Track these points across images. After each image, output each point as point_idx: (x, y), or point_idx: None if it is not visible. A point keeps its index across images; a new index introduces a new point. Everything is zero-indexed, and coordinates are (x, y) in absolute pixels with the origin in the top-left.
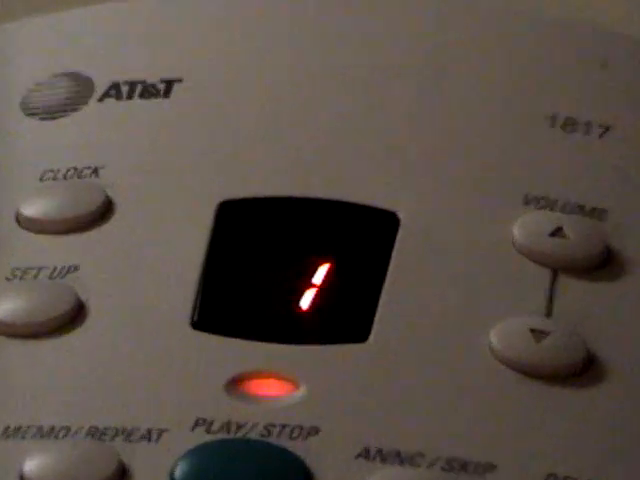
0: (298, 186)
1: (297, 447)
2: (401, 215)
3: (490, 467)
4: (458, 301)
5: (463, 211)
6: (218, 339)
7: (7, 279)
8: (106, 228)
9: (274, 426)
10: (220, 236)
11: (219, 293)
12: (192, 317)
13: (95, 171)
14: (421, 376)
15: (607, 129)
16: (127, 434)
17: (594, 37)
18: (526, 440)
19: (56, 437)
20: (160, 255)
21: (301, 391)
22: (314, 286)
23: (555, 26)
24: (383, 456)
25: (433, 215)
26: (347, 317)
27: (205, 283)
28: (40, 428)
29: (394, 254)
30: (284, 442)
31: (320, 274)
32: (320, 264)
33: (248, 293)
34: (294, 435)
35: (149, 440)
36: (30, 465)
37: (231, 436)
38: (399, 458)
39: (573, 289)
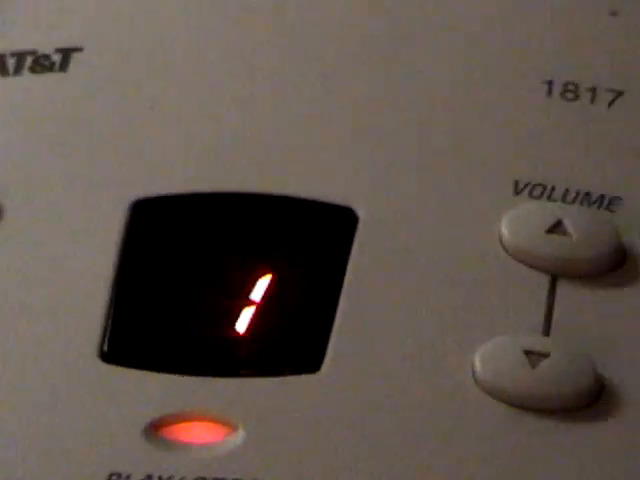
0: (228, 180)
1: None
2: (359, 211)
3: None
4: (433, 318)
5: (439, 204)
6: (134, 373)
7: None
8: None
9: (200, 474)
10: (134, 244)
11: (134, 316)
12: (101, 347)
13: None
14: (387, 415)
15: (618, 95)
16: None
17: None
18: None
19: None
20: (60, 271)
21: (238, 436)
22: (252, 303)
23: None
24: None
25: (400, 210)
26: (294, 342)
27: (116, 304)
28: None
29: (351, 261)
30: None
31: (260, 288)
32: (259, 276)
33: (170, 315)
34: None
35: None
36: None
37: None
38: None
39: (577, 299)
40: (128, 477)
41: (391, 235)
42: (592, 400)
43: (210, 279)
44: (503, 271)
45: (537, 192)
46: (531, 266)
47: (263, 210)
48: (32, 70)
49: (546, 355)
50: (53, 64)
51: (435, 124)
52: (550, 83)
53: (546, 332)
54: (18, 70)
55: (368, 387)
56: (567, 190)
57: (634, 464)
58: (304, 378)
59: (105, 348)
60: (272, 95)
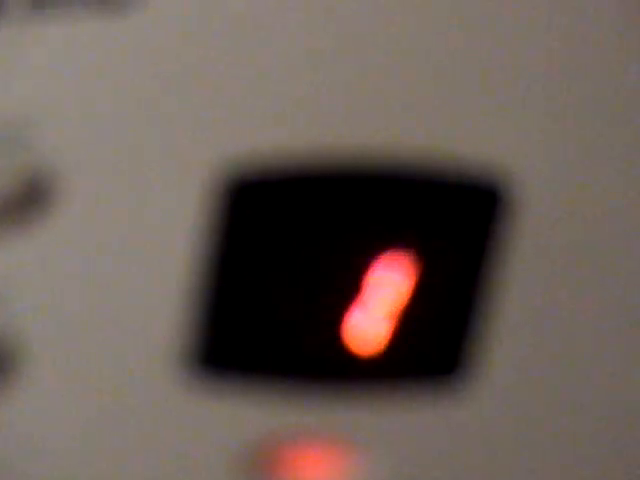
0: (341, 151)
1: None
2: (512, 188)
3: None
4: (611, 315)
5: (597, 170)
6: (227, 388)
7: None
8: (46, 224)
9: None
10: (230, 229)
11: (231, 319)
12: (187, 352)
13: (25, 129)
14: (561, 441)
15: None
16: None
17: None
18: None
19: None
20: (133, 261)
21: (366, 471)
22: (378, 304)
23: None
24: None
25: (558, 182)
26: (432, 349)
27: (207, 304)
28: None
29: (503, 248)
30: None
31: (388, 288)
32: (384, 267)
33: (274, 317)
34: None
35: None
36: None
37: None
38: None
39: None
40: None
41: (550, 221)
42: None
43: (324, 274)
44: None
45: None
46: None
47: (385, 188)
48: (81, 7)
49: None
50: (109, 4)
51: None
52: None
53: None
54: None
55: (528, 409)
56: None
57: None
58: (448, 396)
59: (192, 355)
60: (375, 38)
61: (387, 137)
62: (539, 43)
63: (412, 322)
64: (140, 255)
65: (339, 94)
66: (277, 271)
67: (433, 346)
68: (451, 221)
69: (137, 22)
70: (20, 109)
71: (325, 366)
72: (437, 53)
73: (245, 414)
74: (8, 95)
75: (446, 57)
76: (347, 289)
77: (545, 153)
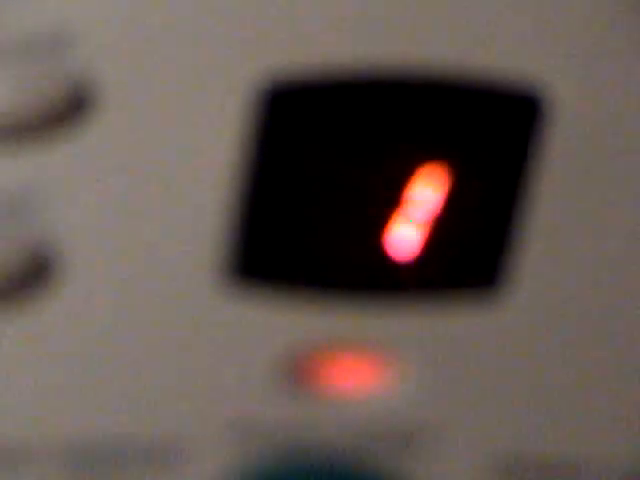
0: (382, 57)
1: (400, 469)
2: (549, 98)
3: None
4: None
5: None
6: (266, 296)
7: None
8: (85, 133)
9: (362, 436)
10: (268, 139)
11: (267, 226)
12: (226, 263)
13: (66, 40)
14: (585, 347)
15: None
16: (130, 456)
17: None
18: None
19: (15, 467)
20: (174, 171)
21: (403, 377)
22: (414, 215)
23: None
24: (525, 470)
25: (598, 96)
26: (469, 259)
27: (247, 214)
28: (9, 455)
29: (540, 159)
30: (379, 461)
31: (424, 198)
32: (423, 179)
33: (313, 227)
34: (395, 449)
35: (168, 463)
36: None
37: (294, 455)
38: (545, 473)
39: None
40: (263, 431)
41: (590, 128)
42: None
43: (362, 183)
44: None
45: None
46: None
47: (426, 97)
48: None
49: None
50: None
51: None
52: None
53: None
54: None
55: (558, 315)
56: None
57: None
58: (481, 304)
59: (231, 264)
60: None
61: (423, 49)
62: None
63: (448, 231)
64: (180, 165)
65: (372, 9)
66: (315, 183)
67: (468, 255)
68: (488, 130)
69: None
70: (57, 25)
71: (362, 275)
72: None
73: (283, 322)
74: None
75: None
76: (385, 199)
77: (578, 67)
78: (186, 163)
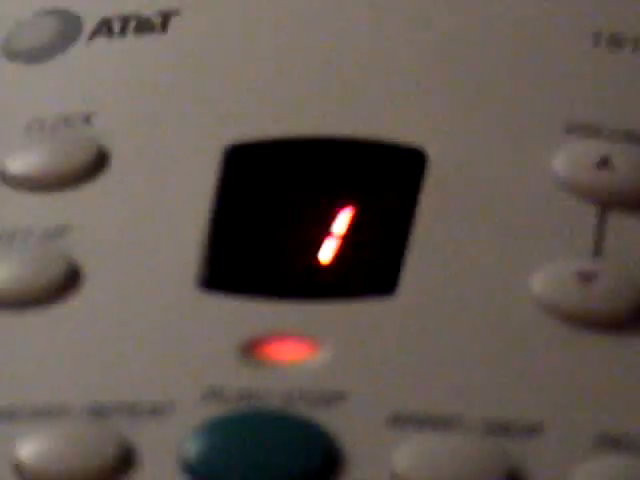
0: (312, 125)
1: (320, 416)
2: (429, 152)
3: (537, 428)
4: (495, 245)
5: (498, 143)
6: (229, 299)
7: None
8: (101, 182)
9: (294, 394)
10: (228, 184)
11: (229, 248)
12: (200, 276)
13: (87, 119)
14: (456, 330)
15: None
16: (131, 409)
17: None
18: (576, 396)
19: (52, 417)
20: (162, 209)
21: (324, 353)
22: (335, 235)
23: None
24: (416, 421)
25: (464, 150)
26: (372, 268)
27: (213, 237)
28: (34, 408)
29: (422, 195)
30: (306, 411)
31: (340, 223)
32: (340, 211)
33: (261, 246)
34: (317, 403)
35: (155, 415)
36: (24, 450)
37: (246, 407)
38: (433, 423)
39: (624, 226)
40: (224, 391)
41: (457, 171)
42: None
43: (297, 214)
44: (557, 203)
45: (587, 132)
46: (582, 198)
47: (342, 153)
48: (136, 31)
49: (597, 275)
50: (154, 26)
51: (497, 70)
52: (597, 35)
53: (597, 254)
54: (123, 32)
55: (439, 306)
56: (613, 130)
57: None
58: (381, 300)
59: (204, 276)
60: (345, 50)
61: (343, 121)
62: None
63: (359, 249)
64: (168, 203)
65: (309, 91)
66: (262, 217)
67: (372, 266)
68: (386, 176)
69: (166, 40)
70: (80, 107)
71: (297, 280)
72: (376, 70)
73: (242, 315)
74: (69, 97)
75: (381, 70)
76: (312, 228)
77: (450, 132)
78: (172, 202)
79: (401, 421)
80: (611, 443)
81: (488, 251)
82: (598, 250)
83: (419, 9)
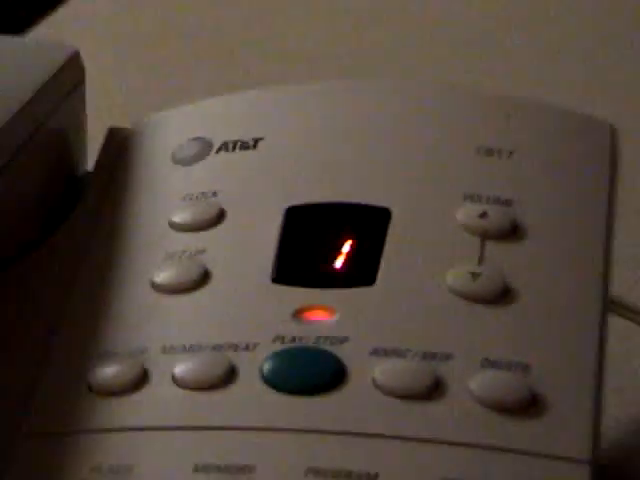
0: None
1: (334, 350)
2: (393, 210)
3: (442, 355)
4: (427, 258)
5: (426, 204)
6: (287, 288)
7: (164, 259)
8: (222, 227)
9: (321, 338)
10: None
11: (291, 258)
12: (273, 274)
13: (215, 194)
14: (404, 304)
15: (511, 153)
16: (235, 347)
17: (500, 100)
18: (474, 336)
19: (194, 351)
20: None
21: (337, 316)
22: (339, 254)
23: (472, 94)
24: (387, 353)
25: (408, 207)
26: (361, 270)
27: (280, 253)
28: (184, 346)
29: (388, 234)
30: (327, 347)
31: (343, 248)
32: (344, 241)
33: (303, 260)
34: (332, 343)
35: (248, 349)
36: (178, 369)
37: (295, 345)
38: (393, 353)
39: (494, 248)
40: (283, 337)
41: (408, 222)
42: (504, 296)
43: (314, 239)
44: (460, 237)
45: (473, 198)
46: (472, 234)
47: (344, 212)
48: (240, 149)
49: (481, 273)
50: (249, 145)
51: (427, 167)
52: (479, 148)
53: (479, 264)
54: (234, 149)
55: (401, 294)
56: (489, 196)
57: (524, 330)
58: (367, 288)
59: (274, 275)
60: (351, 159)
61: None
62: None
63: (355, 261)
64: (250, 239)
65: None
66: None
67: (361, 269)
68: (366, 227)
69: (257, 154)
70: (209, 188)
71: (323, 279)
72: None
73: (293, 297)
74: (205, 184)
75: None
76: (330, 251)
77: (402, 197)
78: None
79: (379, 353)
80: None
81: (423, 262)
82: (481, 260)
83: (382, 130)
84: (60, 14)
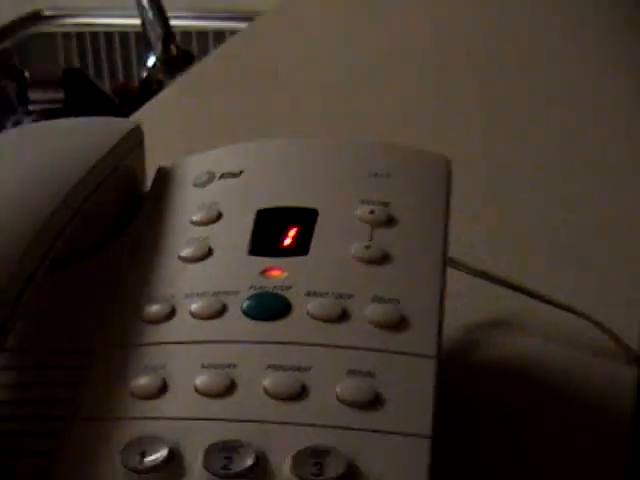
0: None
1: (284, 293)
2: (319, 210)
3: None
4: (339, 239)
5: (338, 206)
6: (257, 258)
7: (187, 242)
8: (220, 223)
9: (276, 287)
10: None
11: (259, 240)
12: (248, 250)
13: (216, 203)
14: (327, 267)
15: (388, 175)
16: (227, 293)
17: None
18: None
19: (202, 296)
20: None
21: (286, 274)
22: (286, 236)
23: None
24: (316, 294)
25: (329, 208)
26: (300, 247)
27: (253, 237)
28: (197, 293)
29: (316, 226)
30: (279, 292)
31: (289, 234)
32: (292, 228)
33: (265, 239)
34: (283, 289)
35: (234, 295)
36: (194, 307)
37: (262, 291)
38: (320, 295)
39: (378, 232)
40: (256, 286)
41: (330, 218)
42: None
43: (274, 228)
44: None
45: (371, 202)
46: (364, 223)
47: (287, 215)
48: (229, 177)
49: (371, 245)
50: (236, 174)
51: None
52: (374, 174)
53: (370, 239)
54: (226, 177)
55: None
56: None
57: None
58: (303, 257)
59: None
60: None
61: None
62: None
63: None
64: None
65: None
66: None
67: (302, 246)
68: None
69: (240, 180)
70: (216, 206)
71: (281, 251)
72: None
73: (260, 263)
74: (214, 200)
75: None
76: (282, 234)
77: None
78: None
79: (311, 294)
80: None
81: (337, 240)
82: (370, 239)
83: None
84: (147, 107)
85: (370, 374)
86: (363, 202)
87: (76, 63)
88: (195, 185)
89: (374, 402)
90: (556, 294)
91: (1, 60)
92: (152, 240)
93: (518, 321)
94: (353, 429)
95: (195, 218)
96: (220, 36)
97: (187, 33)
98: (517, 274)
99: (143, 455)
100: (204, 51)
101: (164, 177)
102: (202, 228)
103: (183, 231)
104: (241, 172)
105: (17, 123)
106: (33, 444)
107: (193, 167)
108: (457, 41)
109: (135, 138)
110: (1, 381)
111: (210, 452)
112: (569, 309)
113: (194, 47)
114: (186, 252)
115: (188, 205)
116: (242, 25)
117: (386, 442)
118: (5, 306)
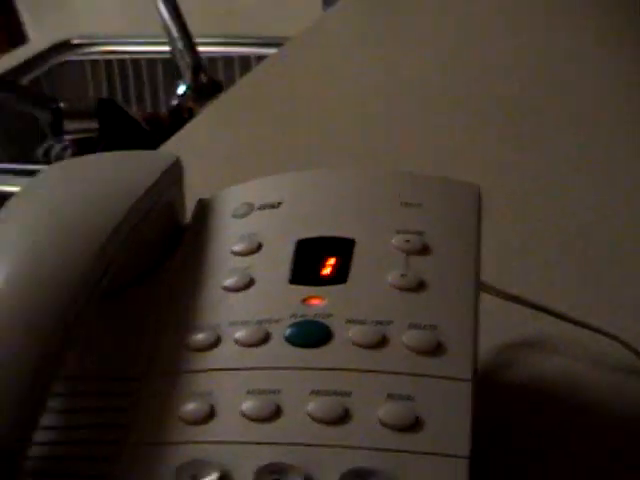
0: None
1: (325, 321)
2: (356, 240)
3: None
4: (377, 267)
5: (375, 236)
6: (298, 287)
7: (228, 272)
8: (260, 253)
9: (317, 314)
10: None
11: (299, 269)
12: (289, 279)
13: (255, 234)
14: (365, 295)
15: (420, 205)
16: (269, 321)
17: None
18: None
19: (246, 324)
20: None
21: (326, 302)
22: (328, 266)
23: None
24: (358, 322)
25: (366, 238)
26: (339, 275)
27: (293, 266)
28: (241, 322)
29: (353, 256)
30: (320, 319)
31: (329, 263)
32: (331, 257)
33: (305, 269)
34: (324, 317)
35: (276, 322)
36: (238, 334)
37: (303, 319)
38: (361, 322)
39: (413, 260)
40: (297, 315)
41: (367, 247)
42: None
43: (313, 257)
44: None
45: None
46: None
47: (326, 244)
48: (269, 208)
49: (407, 274)
50: (274, 205)
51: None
52: (405, 203)
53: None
54: (266, 208)
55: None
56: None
57: None
58: (340, 285)
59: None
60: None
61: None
62: None
63: (335, 268)
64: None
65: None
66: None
67: (340, 275)
68: (342, 250)
69: (280, 211)
70: (255, 235)
71: (321, 280)
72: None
73: (302, 292)
74: (254, 230)
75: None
76: (318, 264)
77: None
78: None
79: (351, 322)
80: None
81: (374, 268)
82: (406, 267)
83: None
84: (179, 136)
85: (409, 397)
86: (399, 232)
87: (104, 90)
88: (234, 216)
89: (414, 425)
90: (586, 316)
91: (31, 89)
92: (195, 270)
93: (548, 342)
94: (394, 451)
95: (236, 248)
96: (246, 61)
97: (213, 59)
98: (547, 297)
99: (195, 478)
100: (230, 76)
101: (204, 209)
102: (243, 258)
103: (225, 261)
104: (279, 204)
105: (48, 150)
106: (88, 468)
107: (232, 199)
108: (486, 67)
109: (176, 171)
110: (56, 407)
111: (261, 474)
112: (598, 330)
113: (220, 72)
114: (229, 282)
115: (228, 236)
116: (268, 51)
117: (426, 463)
118: (59, 336)
